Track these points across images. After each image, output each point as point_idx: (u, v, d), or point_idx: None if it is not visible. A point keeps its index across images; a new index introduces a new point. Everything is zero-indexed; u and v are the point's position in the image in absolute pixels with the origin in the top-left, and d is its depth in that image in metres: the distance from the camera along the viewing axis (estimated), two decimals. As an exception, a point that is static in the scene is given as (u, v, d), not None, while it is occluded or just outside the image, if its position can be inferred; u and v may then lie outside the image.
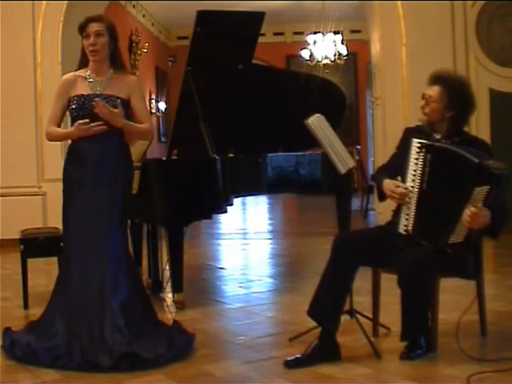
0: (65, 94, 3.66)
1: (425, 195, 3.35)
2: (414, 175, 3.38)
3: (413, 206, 3.39)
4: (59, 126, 3.70)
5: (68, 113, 3.68)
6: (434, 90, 3.47)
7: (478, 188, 3.17)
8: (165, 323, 3.81)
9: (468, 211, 3.16)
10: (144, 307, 3.70)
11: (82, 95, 3.61)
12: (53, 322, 3.53)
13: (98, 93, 3.60)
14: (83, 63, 3.70)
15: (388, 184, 3.48)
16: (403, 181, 3.44)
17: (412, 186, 3.38)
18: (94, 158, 3.59)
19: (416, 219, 3.38)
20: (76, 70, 3.73)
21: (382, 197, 3.59)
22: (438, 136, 3.48)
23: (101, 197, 3.58)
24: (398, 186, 3.41)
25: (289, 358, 3.32)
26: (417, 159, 3.37)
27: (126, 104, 3.65)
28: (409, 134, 3.57)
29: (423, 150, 3.34)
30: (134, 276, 3.72)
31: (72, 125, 3.64)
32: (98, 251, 3.55)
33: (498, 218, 3.25)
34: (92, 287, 3.52)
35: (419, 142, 3.38)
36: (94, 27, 3.60)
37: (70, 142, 3.71)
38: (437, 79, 3.50)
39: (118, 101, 3.59)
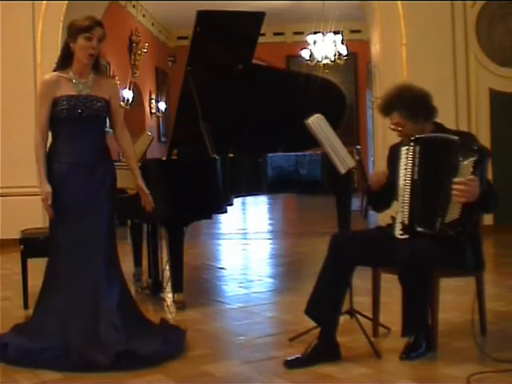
0: (50, 95, 3.60)
1: (416, 184, 3.41)
2: (405, 167, 3.44)
3: (407, 201, 3.43)
4: (47, 133, 3.65)
5: (54, 113, 3.61)
6: (395, 118, 3.52)
7: (464, 162, 3.27)
8: (153, 321, 3.82)
9: (456, 185, 3.23)
10: (135, 306, 3.73)
11: (72, 96, 3.58)
12: (45, 322, 3.52)
13: (84, 93, 3.60)
14: (65, 64, 3.64)
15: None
16: (396, 190, 3.50)
17: (405, 178, 3.44)
18: (87, 157, 3.60)
19: (410, 210, 3.42)
20: (55, 70, 3.68)
21: (376, 207, 3.69)
22: None
23: (94, 197, 3.59)
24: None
25: (289, 358, 3.32)
26: (407, 150, 3.44)
27: (108, 105, 3.67)
28: (395, 148, 3.63)
29: (411, 144, 3.43)
30: (123, 276, 3.74)
31: (58, 125, 3.61)
32: (91, 252, 3.56)
33: (488, 191, 3.28)
34: (85, 287, 3.53)
35: (407, 147, 3.46)
36: (99, 31, 3.58)
37: (52, 140, 3.68)
38: (386, 109, 3.56)
39: (102, 103, 3.62)
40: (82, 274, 3.55)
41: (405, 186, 3.44)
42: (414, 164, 3.41)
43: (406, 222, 3.43)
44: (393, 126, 3.55)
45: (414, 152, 3.41)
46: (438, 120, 3.62)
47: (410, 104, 3.48)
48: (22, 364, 3.37)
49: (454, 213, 3.31)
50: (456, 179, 3.24)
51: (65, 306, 3.51)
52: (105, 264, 3.59)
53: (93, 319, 3.47)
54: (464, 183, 3.21)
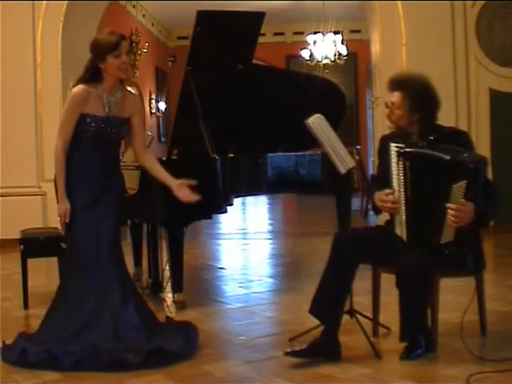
0: (79, 109, 3.52)
1: (411, 202, 3.34)
2: (398, 181, 3.36)
3: (403, 215, 3.37)
4: (68, 147, 3.57)
5: (79, 129, 3.54)
6: (396, 96, 3.44)
7: (456, 184, 3.18)
8: (161, 321, 3.84)
9: (450, 211, 3.18)
10: (148, 307, 3.75)
11: (101, 117, 3.53)
12: (62, 327, 3.48)
13: (112, 114, 3.56)
14: (93, 79, 3.55)
15: (378, 196, 3.48)
16: (391, 188, 3.43)
17: (399, 190, 3.37)
18: (102, 174, 3.59)
19: (409, 229, 3.37)
20: (78, 84, 3.57)
21: (377, 211, 3.60)
22: (414, 137, 3.45)
23: (104, 210, 3.59)
24: (388, 195, 3.41)
25: (288, 350, 3.33)
26: (397, 163, 3.35)
27: (127, 122, 3.64)
28: (385, 141, 3.56)
29: (401, 157, 3.31)
30: (132, 280, 3.79)
31: (80, 141, 3.55)
32: (104, 262, 3.56)
33: (484, 207, 3.24)
34: (102, 290, 3.53)
35: (396, 147, 3.36)
36: (125, 45, 3.53)
37: (70, 153, 3.60)
38: (396, 85, 3.47)
39: (126, 126, 3.63)
40: (97, 278, 3.55)
41: (400, 200, 3.36)
42: (406, 181, 3.32)
43: (406, 239, 3.39)
44: (388, 103, 3.47)
45: (404, 167, 3.31)
46: (438, 119, 3.56)
47: (418, 96, 3.40)
48: (42, 368, 3.34)
49: (448, 235, 3.26)
50: (448, 205, 3.18)
51: (81, 311, 3.50)
52: (118, 270, 3.61)
53: (112, 322, 3.47)
54: (456, 209, 3.17)
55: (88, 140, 3.56)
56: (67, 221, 3.54)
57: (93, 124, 3.52)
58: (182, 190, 3.70)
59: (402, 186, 3.34)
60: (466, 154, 3.25)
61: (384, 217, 3.67)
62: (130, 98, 3.68)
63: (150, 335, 3.50)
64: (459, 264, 3.39)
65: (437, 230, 3.27)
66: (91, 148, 3.58)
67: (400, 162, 3.32)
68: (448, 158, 3.19)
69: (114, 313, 3.50)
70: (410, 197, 3.33)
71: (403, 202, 3.35)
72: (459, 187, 3.18)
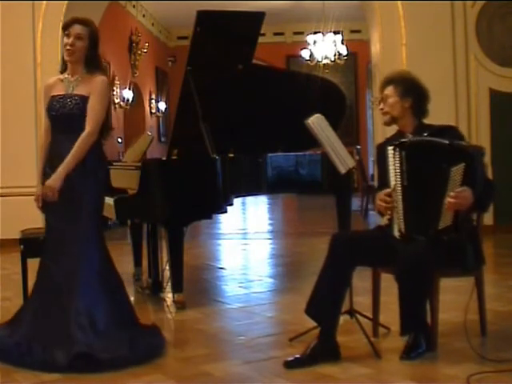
0: (47, 96, 3.69)
1: (407, 190, 3.38)
2: (394, 172, 3.41)
3: (400, 206, 3.40)
4: (50, 134, 3.69)
5: None
6: (388, 89, 3.61)
7: (454, 168, 3.25)
8: (143, 325, 3.72)
9: (448, 198, 3.23)
10: (116, 308, 3.61)
11: (53, 96, 3.64)
12: (20, 318, 3.58)
13: (69, 92, 3.61)
14: (65, 66, 3.71)
15: (379, 196, 3.52)
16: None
17: (395, 184, 3.40)
18: (61, 158, 3.55)
19: (405, 217, 3.40)
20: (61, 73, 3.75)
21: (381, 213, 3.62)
22: (409, 135, 3.54)
23: (69, 195, 3.54)
24: (387, 194, 3.44)
25: (288, 359, 3.31)
26: (393, 156, 3.40)
27: (85, 102, 3.59)
28: (382, 147, 3.61)
29: (397, 149, 3.38)
30: (109, 276, 3.65)
31: (51, 125, 3.66)
32: (68, 250, 3.54)
33: (482, 192, 3.29)
34: (60, 286, 3.50)
35: (392, 145, 3.42)
36: (76, 29, 3.62)
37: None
38: (387, 82, 3.64)
39: (77, 101, 3.58)
40: (60, 273, 3.53)
41: (396, 192, 3.40)
42: (402, 170, 3.37)
43: (403, 230, 3.41)
44: (381, 97, 3.61)
45: (400, 157, 3.36)
46: (437, 120, 3.61)
47: (407, 83, 3.58)
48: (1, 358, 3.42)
49: (446, 220, 3.30)
50: (450, 194, 3.22)
51: (39, 304, 3.54)
52: (84, 263, 3.55)
53: (63, 318, 3.44)
54: (455, 197, 3.22)
55: (51, 122, 3.66)
56: (40, 205, 3.61)
57: (48, 104, 3.65)
58: (45, 188, 3.55)
59: (399, 177, 3.38)
60: (463, 142, 3.39)
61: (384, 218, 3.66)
62: (96, 80, 3.64)
63: (95, 338, 3.41)
64: (460, 260, 3.40)
65: (435, 214, 3.31)
66: (53, 132, 3.65)
67: (396, 153, 3.38)
68: (447, 142, 3.30)
69: (67, 307, 3.45)
70: (406, 185, 3.37)
71: (400, 192, 3.39)
72: (457, 170, 3.24)
